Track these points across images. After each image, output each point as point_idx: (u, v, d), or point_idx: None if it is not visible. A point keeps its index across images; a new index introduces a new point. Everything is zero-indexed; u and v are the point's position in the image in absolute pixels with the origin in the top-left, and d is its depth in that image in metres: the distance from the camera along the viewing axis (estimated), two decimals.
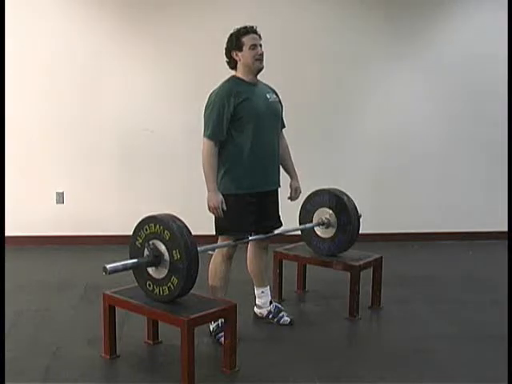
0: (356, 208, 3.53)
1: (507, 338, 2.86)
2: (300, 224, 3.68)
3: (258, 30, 3.10)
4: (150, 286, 2.72)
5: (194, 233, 2.63)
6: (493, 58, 5.38)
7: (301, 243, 3.90)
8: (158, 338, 3.06)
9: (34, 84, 5.09)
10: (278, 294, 3.75)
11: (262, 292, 3.42)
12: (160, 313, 2.69)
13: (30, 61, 5.05)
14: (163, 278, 2.64)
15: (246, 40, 3.04)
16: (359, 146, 5.48)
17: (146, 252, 2.67)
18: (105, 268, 2.55)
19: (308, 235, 3.68)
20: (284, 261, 3.80)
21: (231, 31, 3.12)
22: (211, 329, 3.11)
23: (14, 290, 3.75)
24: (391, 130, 5.48)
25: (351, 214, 3.50)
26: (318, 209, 3.60)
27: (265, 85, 3.22)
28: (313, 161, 5.03)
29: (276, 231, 3.32)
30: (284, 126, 3.34)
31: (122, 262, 2.65)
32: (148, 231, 2.66)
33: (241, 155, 3.04)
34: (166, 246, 2.60)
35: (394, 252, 4.89)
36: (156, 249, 2.64)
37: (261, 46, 3.08)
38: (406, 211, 5.57)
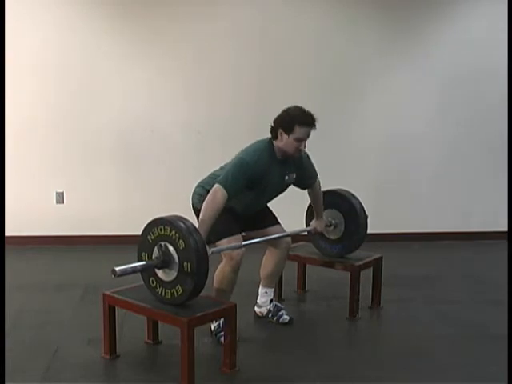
0: (365, 214, 3.52)
1: (507, 337, 2.86)
2: (306, 222, 3.66)
3: (316, 122, 3.01)
4: (153, 283, 2.70)
5: None
6: (497, 61, 5.35)
7: (301, 243, 3.90)
8: (157, 338, 3.06)
9: (33, 84, 5.08)
10: (277, 294, 3.74)
11: (266, 292, 3.43)
12: (160, 313, 2.68)
13: (29, 61, 5.04)
14: (169, 282, 2.62)
15: (298, 130, 2.97)
16: (360, 147, 5.48)
17: (155, 251, 2.64)
18: (114, 271, 2.52)
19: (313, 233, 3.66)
20: None
21: (291, 108, 3.03)
22: (212, 328, 3.11)
23: (14, 290, 3.75)
24: (392, 131, 5.48)
25: (360, 222, 3.49)
26: (326, 209, 3.57)
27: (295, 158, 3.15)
28: (313, 161, 5.03)
29: (285, 232, 3.32)
30: (316, 177, 3.36)
31: (131, 265, 2.61)
32: (162, 232, 2.61)
33: (233, 203, 3.03)
34: (178, 253, 2.56)
35: (394, 252, 4.89)
36: (167, 252, 2.59)
37: (307, 138, 3.02)
38: (406, 211, 5.58)
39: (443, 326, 3.42)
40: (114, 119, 5.20)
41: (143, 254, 2.71)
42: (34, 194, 5.22)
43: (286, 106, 3.13)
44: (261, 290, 3.45)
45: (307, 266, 3.92)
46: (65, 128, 5.17)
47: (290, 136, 2.98)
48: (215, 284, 3.10)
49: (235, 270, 3.05)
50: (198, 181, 3.24)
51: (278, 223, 3.35)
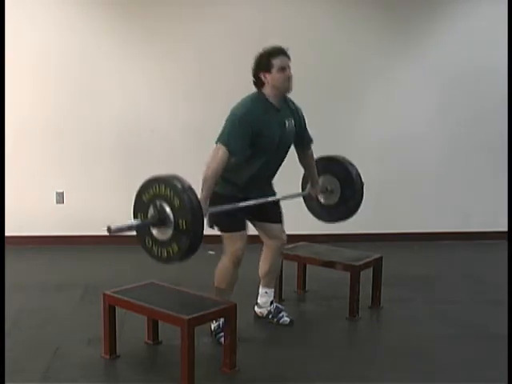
0: (362, 182, 3.48)
1: (507, 338, 2.86)
2: (302, 187, 3.61)
3: (288, 51, 3.05)
4: (149, 243, 2.66)
5: None
6: (497, 61, 5.34)
7: (301, 243, 3.90)
8: (158, 338, 3.06)
9: (33, 84, 5.08)
10: (277, 294, 3.73)
11: (266, 292, 3.42)
12: (160, 312, 2.69)
13: (29, 61, 5.04)
14: (164, 241, 2.58)
15: (276, 62, 2.99)
16: (360, 147, 5.46)
17: (151, 210, 2.62)
18: (109, 228, 2.51)
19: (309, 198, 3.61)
20: (284, 261, 3.78)
21: (260, 51, 3.07)
22: (212, 328, 3.11)
23: (14, 290, 3.75)
24: (392, 131, 5.47)
25: (356, 188, 3.46)
26: (323, 174, 3.51)
27: (289, 104, 3.15)
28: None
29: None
30: (311, 141, 3.33)
31: (127, 223, 2.61)
32: (157, 191, 2.59)
33: (242, 173, 3.03)
34: (173, 211, 2.54)
35: (394, 252, 4.88)
36: (163, 211, 2.56)
37: (289, 67, 3.02)
38: (406, 211, 5.57)
39: (443, 325, 3.42)
40: (113, 119, 5.19)
41: (139, 213, 2.68)
42: (34, 194, 5.22)
43: None
44: (261, 290, 3.44)
45: (307, 265, 3.91)
46: (65, 128, 5.16)
47: (273, 70, 2.99)
48: (216, 280, 3.11)
49: (236, 265, 3.06)
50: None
51: (280, 222, 3.32)
